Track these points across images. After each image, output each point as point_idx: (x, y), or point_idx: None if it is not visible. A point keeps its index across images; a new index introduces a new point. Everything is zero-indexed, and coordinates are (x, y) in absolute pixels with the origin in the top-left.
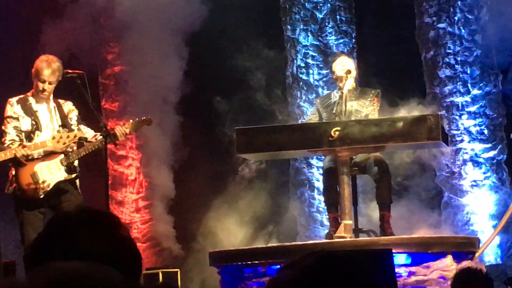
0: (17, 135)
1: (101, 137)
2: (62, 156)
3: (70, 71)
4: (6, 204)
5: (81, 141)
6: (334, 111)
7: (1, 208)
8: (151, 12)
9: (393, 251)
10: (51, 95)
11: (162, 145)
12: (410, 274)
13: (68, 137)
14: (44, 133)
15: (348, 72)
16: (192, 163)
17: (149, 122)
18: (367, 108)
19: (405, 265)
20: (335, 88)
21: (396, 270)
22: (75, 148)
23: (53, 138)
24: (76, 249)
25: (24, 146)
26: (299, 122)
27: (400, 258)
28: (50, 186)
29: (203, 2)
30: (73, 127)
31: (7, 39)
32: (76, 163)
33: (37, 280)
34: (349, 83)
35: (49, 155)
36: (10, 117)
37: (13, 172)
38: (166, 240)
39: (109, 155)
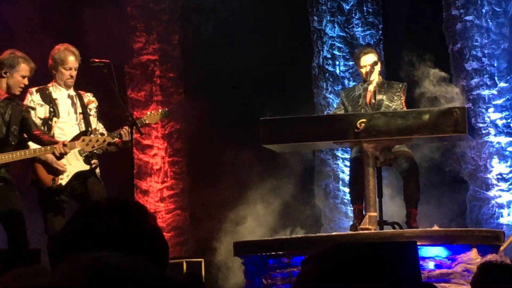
0: None
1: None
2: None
3: (97, 60)
4: (30, 193)
5: (110, 146)
6: (359, 103)
7: (25, 197)
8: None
9: (418, 243)
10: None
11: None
12: (435, 266)
13: (97, 141)
14: (63, 120)
15: (374, 65)
16: (216, 152)
17: (166, 114)
18: (396, 103)
19: (430, 258)
20: (361, 80)
21: (420, 262)
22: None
23: (83, 140)
24: (104, 238)
25: (65, 144)
26: (325, 113)
27: (433, 251)
28: (69, 177)
29: None
30: (91, 118)
31: (41, 27)
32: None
33: (72, 270)
34: (375, 77)
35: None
36: (26, 106)
37: (32, 164)
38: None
39: (134, 145)
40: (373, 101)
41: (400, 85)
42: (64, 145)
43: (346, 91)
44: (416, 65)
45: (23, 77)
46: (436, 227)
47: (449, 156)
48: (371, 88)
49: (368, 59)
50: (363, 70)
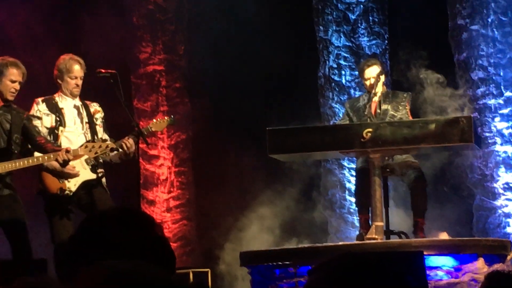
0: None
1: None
2: (86, 156)
3: (103, 70)
4: (36, 202)
5: (112, 151)
6: (365, 113)
7: (31, 206)
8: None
9: (425, 253)
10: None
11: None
12: (442, 276)
13: (100, 146)
14: (69, 129)
15: (379, 74)
16: (222, 162)
17: (172, 121)
18: (401, 112)
19: (437, 268)
20: (366, 91)
21: (427, 272)
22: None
23: (85, 147)
24: (111, 248)
25: (68, 151)
26: (331, 123)
27: (440, 260)
28: (76, 186)
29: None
30: (97, 127)
31: (43, 38)
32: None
33: (92, 279)
34: (379, 88)
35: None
36: (32, 115)
37: (39, 172)
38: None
39: (140, 155)
40: (378, 111)
41: (405, 95)
42: (67, 151)
43: (351, 102)
44: (421, 75)
45: (12, 81)
46: (444, 234)
47: (455, 165)
48: (375, 98)
49: (372, 72)
50: (367, 83)
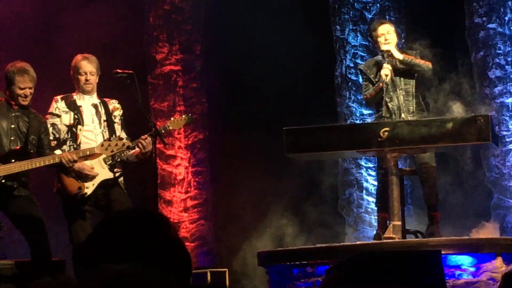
0: (52, 133)
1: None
2: (104, 155)
3: (120, 70)
4: (54, 203)
5: (129, 149)
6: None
7: (50, 207)
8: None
9: (442, 252)
10: (95, 92)
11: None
12: (460, 275)
13: (116, 145)
14: (87, 128)
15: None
16: (239, 162)
17: (190, 119)
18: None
19: (455, 267)
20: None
21: (445, 271)
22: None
23: (102, 145)
24: (127, 250)
25: (72, 153)
26: (348, 122)
27: (458, 259)
28: (95, 185)
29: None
30: (116, 125)
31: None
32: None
33: (88, 283)
34: (392, 45)
35: (92, 154)
36: (51, 113)
37: (57, 172)
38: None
39: (158, 155)
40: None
41: (414, 52)
42: (71, 153)
43: (365, 65)
44: (438, 73)
45: (21, 88)
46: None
47: (474, 163)
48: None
49: (386, 27)
50: (381, 39)
